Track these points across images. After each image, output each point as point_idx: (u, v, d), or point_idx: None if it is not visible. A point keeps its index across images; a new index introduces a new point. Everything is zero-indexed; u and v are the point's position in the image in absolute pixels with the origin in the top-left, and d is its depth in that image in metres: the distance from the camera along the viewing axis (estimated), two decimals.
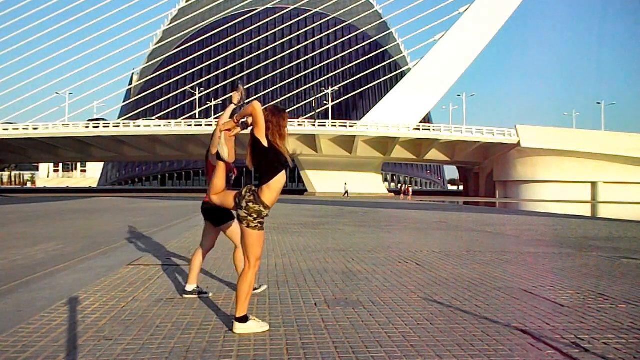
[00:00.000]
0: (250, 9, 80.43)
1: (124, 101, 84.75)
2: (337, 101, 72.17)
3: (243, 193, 3.43)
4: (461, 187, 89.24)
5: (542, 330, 3.54)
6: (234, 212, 3.60)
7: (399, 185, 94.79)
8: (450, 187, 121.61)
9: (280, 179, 3.41)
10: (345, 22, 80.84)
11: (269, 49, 79.41)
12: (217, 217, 4.41)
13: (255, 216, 3.40)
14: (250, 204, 3.39)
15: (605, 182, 57.54)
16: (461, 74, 62.94)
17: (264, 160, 3.41)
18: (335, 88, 70.76)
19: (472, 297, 4.59)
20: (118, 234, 10.13)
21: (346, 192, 52.75)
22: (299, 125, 57.64)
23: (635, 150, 56.26)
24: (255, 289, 4.49)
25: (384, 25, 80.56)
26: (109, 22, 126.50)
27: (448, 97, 67.94)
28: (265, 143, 3.39)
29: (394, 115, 58.20)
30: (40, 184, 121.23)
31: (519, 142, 57.00)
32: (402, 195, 50.54)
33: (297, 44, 78.40)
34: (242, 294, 3.45)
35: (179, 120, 61.51)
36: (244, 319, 3.45)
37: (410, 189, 55.21)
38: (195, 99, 70.48)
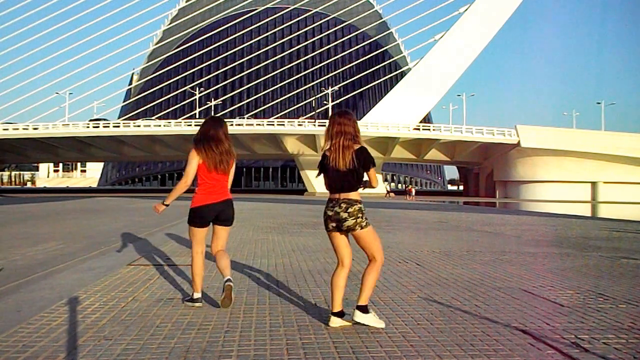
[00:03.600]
0: (250, 9, 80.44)
1: (124, 101, 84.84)
2: (337, 101, 72.20)
3: (340, 211, 3.55)
4: (461, 187, 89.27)
5: (542, 330, 3.54)
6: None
7: (399, 185, 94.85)
8: (450, 187, 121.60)
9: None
10: (345, 22, 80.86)
11: (269, 49, 79.45)
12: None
13: (362, 214, 3.58)
14: (350, 209, 3.54)
15: (605, 182, 57.56)
16: (461, 74, 62.99)
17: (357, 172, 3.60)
18: (335, 88, 70.80)
19: (472, 297, 4.59)
20: (118, 234, 10.13)
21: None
22: (299, 125, 57.66)
23: (635, 150, 56.27)
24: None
25: (384, 25, 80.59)
26: (109, 22, 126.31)
27: (448, 97, 68.00)
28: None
29: (394, 115, 58.22)
30: (40, 184, 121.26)
31: (519, 142, 57.02)
32: (406, 196, 50.54)
33: (297, 44, 78.43)
34: (372, 285, 3.60)
35: (179, 120, 61.55)
36: (365, 309, 3.55)
37: (413, 190, 55.20)
38: (195, 99, 70.50)
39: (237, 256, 6.91)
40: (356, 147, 3.60)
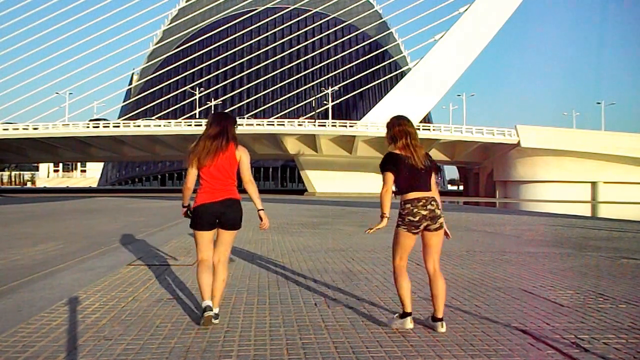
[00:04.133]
0: (250, 9, 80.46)
1: (124, 101, 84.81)
2: (337, 101, 72.20)
3: (434, 208, 3.52)
4: (461, 187, 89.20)
5: (542, 330, 3.54)
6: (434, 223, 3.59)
7: None
8: (450, 187, 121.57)
9: None
10: (345, 22, 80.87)
11: (269, 49, 79.47)
12: None
13: None
14: (440, 206, 3.59)
15: (605, 182, 57.51)
16: (461, 74, 62.94)
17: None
18: (335, 88, 70.78)
19: (472, 297, 4.59)
20: (118, 234, 10.13)
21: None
22: (299, 125, 57.64)
23: (635, 150, 56.23)
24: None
25: (384, 25, 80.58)
26: (109, 22, 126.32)
27: (448, 97, 67.95)
28: None
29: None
30: (40, 184, 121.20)
31: (519, 142, 56.99)
32: None
33: (297, 44, 78.44)
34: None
35: (179, 120, 61.51)
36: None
37: None
38: (195, 99, 70.50)
39: (237, 256, 6.91)
40: (423, 151, 3.63)
